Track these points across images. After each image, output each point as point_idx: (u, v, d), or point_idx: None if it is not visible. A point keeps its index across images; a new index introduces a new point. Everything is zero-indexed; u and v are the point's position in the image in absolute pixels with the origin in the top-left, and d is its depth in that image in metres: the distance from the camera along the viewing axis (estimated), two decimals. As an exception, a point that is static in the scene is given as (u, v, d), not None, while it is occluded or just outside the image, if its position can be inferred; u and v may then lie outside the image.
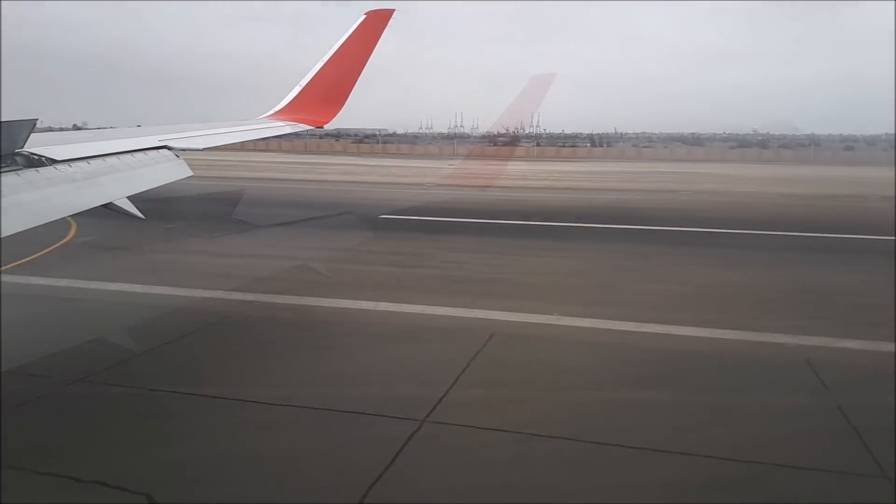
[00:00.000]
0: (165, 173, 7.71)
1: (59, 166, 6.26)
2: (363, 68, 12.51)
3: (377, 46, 12.45)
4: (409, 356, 9.29)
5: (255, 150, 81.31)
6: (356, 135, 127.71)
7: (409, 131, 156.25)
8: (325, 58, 12.44)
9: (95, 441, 6.79)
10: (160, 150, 7.98)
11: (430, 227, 21.58)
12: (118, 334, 10.38)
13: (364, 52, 12.46)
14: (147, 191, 7.12)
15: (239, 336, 10.21)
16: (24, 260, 15.18)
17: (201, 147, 8.85)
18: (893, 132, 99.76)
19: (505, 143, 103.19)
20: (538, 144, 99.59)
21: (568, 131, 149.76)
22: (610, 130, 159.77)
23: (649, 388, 8.00)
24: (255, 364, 9.02)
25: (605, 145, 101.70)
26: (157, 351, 9.33)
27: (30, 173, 5.91)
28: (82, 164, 6.62)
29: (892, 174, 35.90)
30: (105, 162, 6.98)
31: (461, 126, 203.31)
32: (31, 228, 5.36)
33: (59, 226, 19.49)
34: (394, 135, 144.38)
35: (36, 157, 6.09)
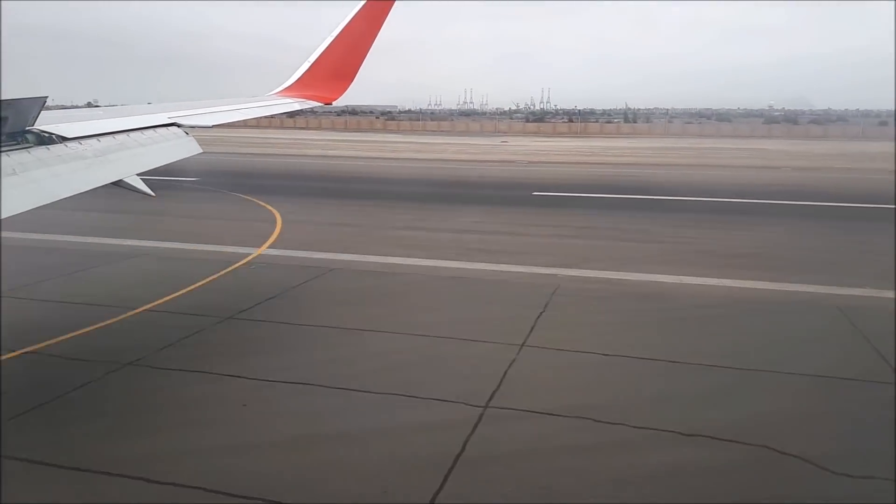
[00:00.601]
0: (175, 151, 7.86)
1: (69, 144, 6.34)
2: (371, 45, 12.68)
3: (384, 23, 12.58)
4: (792, 326, 10.09)
5: (295, 127, 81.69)
6: (371, 112, 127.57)
7: (419, 107, 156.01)
8: (333, 34, 12.46)
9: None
10: (169, 128, 8.08)
11: (603, 204, 22.87)
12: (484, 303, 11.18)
13: (371, 28, 12.66)
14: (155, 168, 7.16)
15: (595, 307, 10.98)
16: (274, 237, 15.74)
17: (211, 124, 8.95)
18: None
19: (535, 120, 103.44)
20: (571, 121, 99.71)
21: (580, 107, 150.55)
22: (620, 106, 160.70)
23: None
24: (661, 332, 9.77)
25: (646, 122, 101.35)
26: (548, 319, 10.21)
27: (40, 151, 6.00)
28: (92, 141, 6.69)
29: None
30: (115, 139, 7.05)
31: (470, 102, 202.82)
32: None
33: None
34: (410, 111, 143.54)
35: (46, 134, 6.19)
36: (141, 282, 12.50)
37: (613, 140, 65.81)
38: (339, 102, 13.04)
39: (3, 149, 5.55)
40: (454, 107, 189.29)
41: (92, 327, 9.61)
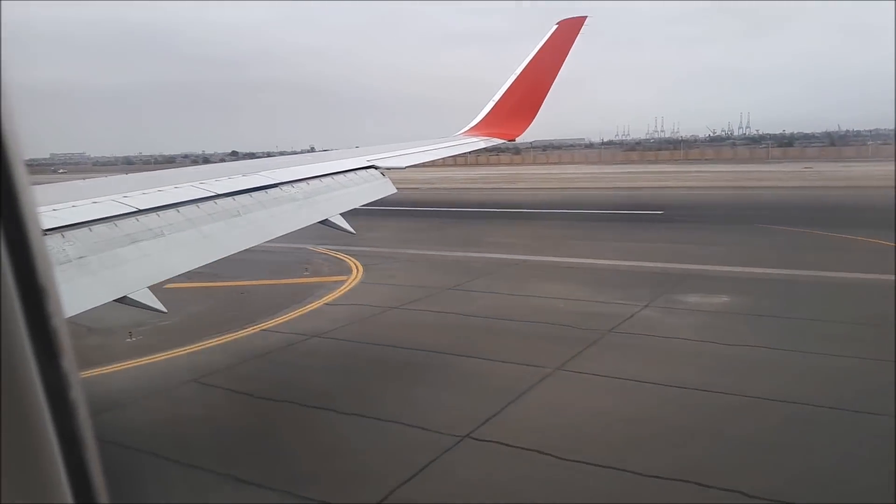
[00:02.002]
0: (373, 191, 8.58)
1: (283, 187, 7.09)
2: (554, 80, 12.64)
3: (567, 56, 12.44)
4: None
5: (548, 162, 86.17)
6: (572, 145, 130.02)
7: (605, 139, 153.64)
8: (517, 71, 12.77)
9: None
10: (368, 170, 8.87)
11: None
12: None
13: (555, 63, 12.65)
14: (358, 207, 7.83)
15: None
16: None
17: (404, 165, 9.71)
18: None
19: (785, 145, 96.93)
20: (833, 144, 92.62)
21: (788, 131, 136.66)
22: (832, 128, 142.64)
23: None
24: None
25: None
26: None
27: (259, 194, 6.72)
28: (302, 184, 7.49)
29: None
30: (321, 182, 7.89)
31: (661, 130, 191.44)
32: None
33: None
34: (611, 143, 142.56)
35: (264, 179, 7.20)
36: None
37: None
38: (526, 137, 13.62)
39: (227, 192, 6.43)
40: (643, 135, 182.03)
41: None
